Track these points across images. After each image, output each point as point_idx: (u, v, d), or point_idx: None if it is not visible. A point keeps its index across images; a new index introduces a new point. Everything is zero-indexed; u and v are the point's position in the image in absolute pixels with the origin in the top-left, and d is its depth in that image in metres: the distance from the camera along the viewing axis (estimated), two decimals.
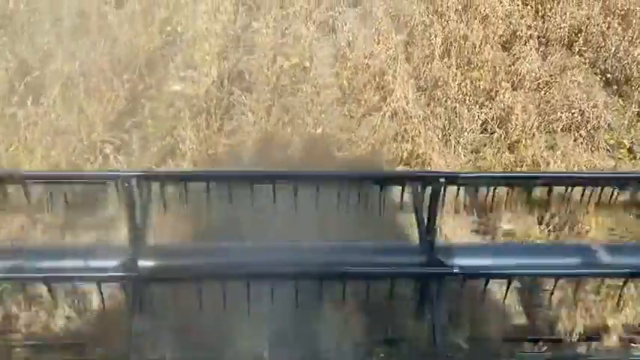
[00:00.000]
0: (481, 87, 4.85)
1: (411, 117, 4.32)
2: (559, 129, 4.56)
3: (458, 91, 4.62)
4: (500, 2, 6.34)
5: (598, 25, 5.81)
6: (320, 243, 2.53)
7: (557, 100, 4.86)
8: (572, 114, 4.67)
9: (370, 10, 6.05)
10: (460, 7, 6.11)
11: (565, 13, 6.12)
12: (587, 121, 4.58)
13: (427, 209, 2.41)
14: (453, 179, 2.52)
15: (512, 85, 4.96)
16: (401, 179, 2.65)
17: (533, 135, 4.20)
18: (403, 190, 2.58)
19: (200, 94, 4.31)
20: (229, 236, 2.65)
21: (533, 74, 5.09)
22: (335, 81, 5.13)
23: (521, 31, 5.83)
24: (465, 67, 5.08)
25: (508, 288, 2.48)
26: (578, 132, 4.48)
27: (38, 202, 2.54)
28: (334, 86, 5.06)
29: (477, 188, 2.66)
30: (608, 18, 5.94)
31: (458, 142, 4.28)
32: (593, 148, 4.40)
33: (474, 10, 6.11)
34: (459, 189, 2.66)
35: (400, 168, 3.98)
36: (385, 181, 2.58)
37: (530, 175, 3.47)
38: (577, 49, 5.65)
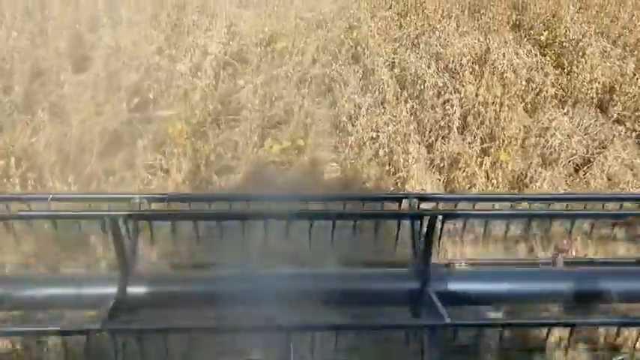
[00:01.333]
0: (509, 168, 4.07)
1: None
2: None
3: (486, 179, 3.81)
4: (517, 54, 5.63)
5: (635, 84, 5.07)
6: (313, 270, 2.51)
7: (599, 184, 4.08)
8: (622, 204, 3.88)
9: (372, 69, 5.27)
10: (475, 64, 5.35)
11: (591, 67, 5.42)
12: None
13: (423, 236, 2.31)
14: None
15: (545, 164, 4.18)
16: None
17: (587, 244, 3.38)
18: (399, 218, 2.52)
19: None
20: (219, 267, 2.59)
21: (570, 151, 4.31)
22: (335, 157, 4.35)
23: (546, 91, 5.09)
24: (489, 143, 4.29)
25: (502, 337, 2.39)
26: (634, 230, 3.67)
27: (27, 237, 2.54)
28: (334, 162, 4.29)
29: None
30: None
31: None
32: None
33: (490, 65, 5.37)
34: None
35: None
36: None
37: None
38: (614, 115, 4.90)
